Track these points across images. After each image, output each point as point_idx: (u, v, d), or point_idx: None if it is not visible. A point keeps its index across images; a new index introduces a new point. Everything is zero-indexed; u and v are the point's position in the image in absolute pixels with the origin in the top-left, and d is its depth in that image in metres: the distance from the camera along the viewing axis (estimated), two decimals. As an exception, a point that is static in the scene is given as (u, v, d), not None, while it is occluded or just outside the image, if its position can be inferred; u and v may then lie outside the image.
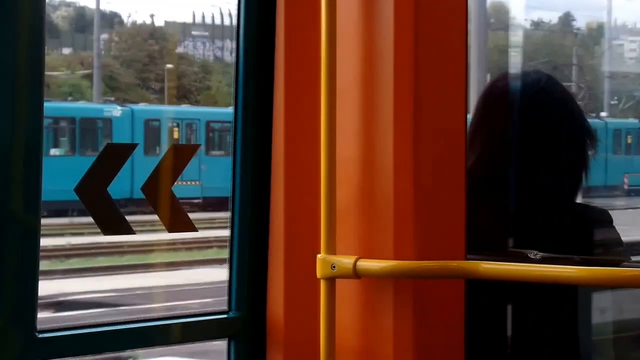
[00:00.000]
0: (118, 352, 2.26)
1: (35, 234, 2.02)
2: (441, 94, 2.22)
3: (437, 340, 2.23)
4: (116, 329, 2.22)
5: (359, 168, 2.23)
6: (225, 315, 2.36)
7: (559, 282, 2.15)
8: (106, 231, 2.13)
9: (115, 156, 2.16)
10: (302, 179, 2.33)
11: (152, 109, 26.34)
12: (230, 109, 2.34)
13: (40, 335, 2.05)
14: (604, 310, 2.71)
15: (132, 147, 2.21)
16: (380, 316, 2.21)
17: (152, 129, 25.33)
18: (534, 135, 2.58)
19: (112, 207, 2.13)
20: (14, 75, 1.97)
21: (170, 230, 2.22)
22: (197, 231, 2.26)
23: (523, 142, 2.57)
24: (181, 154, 2.26)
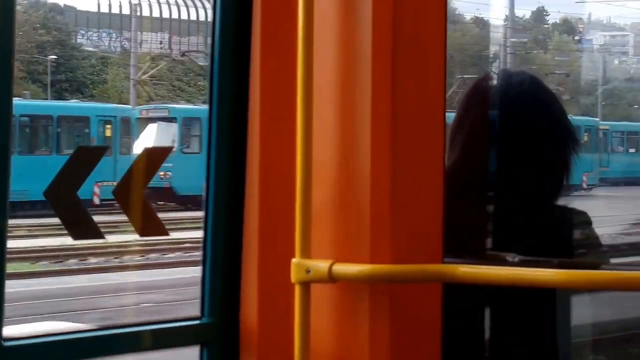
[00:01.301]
0: (86, 359, 2.21)
1: (1, 237, 1.96)
2: (419, 95, 2.20)
3: (414, 345, 2.20)
4: (86, 337, 2.19)
5: (335, 170, 2.20)
6: (197, 321, 2.33)
7: (537, 286, 2.13)
8: (76, 236, 2.09)
9: (85, 159, 2.12)
10: (278, 181, 2.30)
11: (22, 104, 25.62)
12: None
13: (6, 344, 2.02)
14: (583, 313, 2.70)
15: (103, 149, 2.16)
16: (356, 321, 2.18)
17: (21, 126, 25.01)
18: (515, 136, 2.57)
19: (81, 211, 2.09)
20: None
21: (142, 235, 2.18)
22: (168, 235, 2.22)
23: (503, 143, 2.56)
24: (154, 157, 2.23)
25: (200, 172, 2.30)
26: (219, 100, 2.33)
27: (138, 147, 27.00)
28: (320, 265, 2.14)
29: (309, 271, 2.14)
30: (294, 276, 2.15)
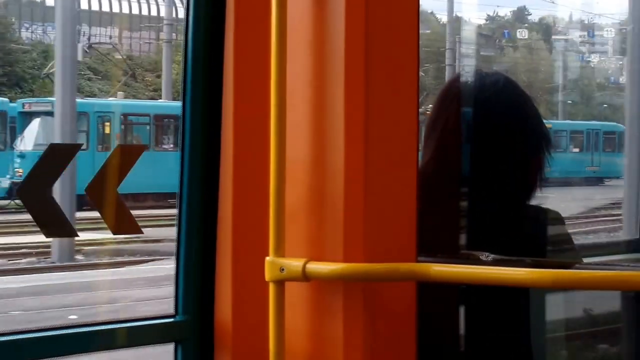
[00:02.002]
0: (59, 357, 2.20)
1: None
2: (393, 94, 2.20)
3: (389, 344, 2.21)
4: (57, 334, 2.18)
5: (309, 169, 2.20)
6: (172, 319, 2.32)
7: (510, 285, 2.13)
8: (49, 234, 2.08)
9: (58, 157, 2.11)
10: (251, 179, 2.30)
11: None
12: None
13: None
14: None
15: (76, 147, 2.15)
16: (330, 319, 2.18)
17: None
18: (489, 136, 2.58)
19: (55, 210, 2.08)
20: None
21: (115, 232, 2.17)
22: (142, 233, 2.22)
23: (477, 143, 2.57)
24: (127, 155, 2.22)
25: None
26: (192, 100, 2.32)
27: (23, 143, 26.19)
28: (294, 263, 2.14)
29: (282, 269, 2.14)
30: (268, 274, 2.15)
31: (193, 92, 2.32)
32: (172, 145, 27.43)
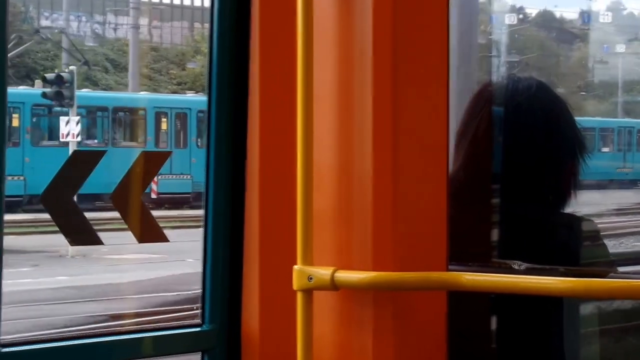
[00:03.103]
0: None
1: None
2: (422, 98, 2.17)
3: (419, 354, 2.18)
4: (85, 343, 2.18)
5: (337, 176, 2.17)
6: (199, 329, 2.30)
7: (543, 294, 2.10)
8: (74, 242, 2.06)
9: (81, 163, 2.09)
10: (278, 186, 2.27)
11: None
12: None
13: (4, 350, 2.01)
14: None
15: (100, 154, 2.13)
16: (359, 329, 2.15)
17: None
18: (521, 142, 2.54)
19: (79, 217, 2.06)
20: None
21: (141, 241, 2.15)
22: (168, 241, 2.20)
23: (509, 149, 2.53)
24: (152, 161, 2.20)
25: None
26: (218, 107, 2.30)
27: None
28: (322, 272, 2.11)
29: (310, 278, 2.11)
30: (296, 283, 2.12)
31: (218, 99, 2.30)
32: (95, 141, 25.14)
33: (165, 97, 28.80)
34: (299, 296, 2.13)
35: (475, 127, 2.55)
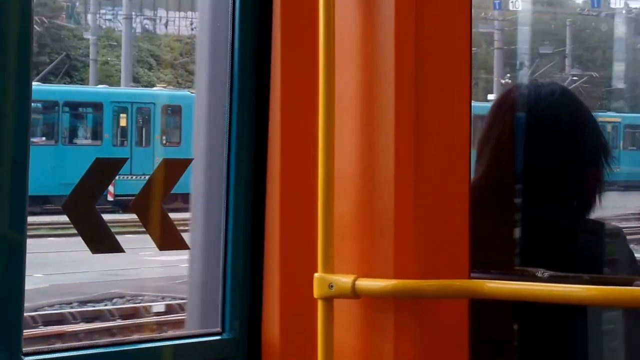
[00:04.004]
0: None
1: (20, 252, 1.94)
2: (444, 104, 2.15)
3: (441, 363, 2.15)
4: (105, 352, 2.17)
5: (358, 182, 2.16)
6: (218, 337, 2.29)
7: (567, 302, 2.08)
8: (95, 250, 2.06)
9: (103, 171, 2.08)
10: (299, 194, 2.26)
11: None
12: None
13: (27, 358, 1.99)
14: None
15: (121, 162, 2.13)
16: (381, 337, 2.14)
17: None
18: (545, 148, 2.52)
19: (100, 225, 2.05)
20: (1, 93, 1.89)
21: (161, 249, 2.14)
22: (189, 249, 2.19)
23: (532, 155, 2.51)
24: (172, 169, 2.19)
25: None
26: (239, 116, 2.29)
27: None
28: (343, 280, 2.09)
29: (331, 286, 2.10)
30: (317, 291, 2.11)
31: (239, 106, 2.29)
32: (43, 139, 23.43)
33: (125, 91, 26.23)
34: (320, 304, 2.11)
35: (499, 134, 2.54)
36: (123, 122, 24.45)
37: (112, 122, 24.35)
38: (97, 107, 24.30)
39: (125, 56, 26.50)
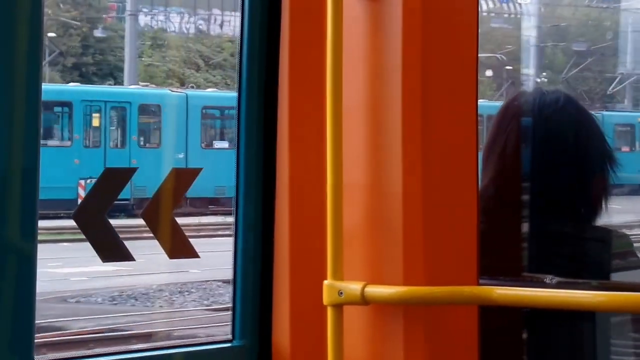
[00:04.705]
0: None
1: (31, 260, 1.95)
2: (451, 114, 2.16)
3: (450, 369, 2.15)
4: (116, 359, 2.16)
5: (366, 190, 2.16)
6: (229, 344, 2.29)
7: (575, 308, 2.08)
8: (105, 258, 2.07)
9: (113, 180, 2.10)
10: (308, 201, 2.27)
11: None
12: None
13: (38, 366, 1.99)
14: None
15: (132, 171, 2.14)
16: (390, 344, 2.14)
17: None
18: (550, 156, 2.53)
19: (110, 234, 2.07)
20: (11, 99, 1.90)
21: (171, 257, 2.15)
22: (199, 257, 2.20)
23: (538, 163, 2.51)
24: (182, 178, 2.20)
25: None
26: (247, 126, 2.30)
27: None
28: (353, 287, 2.10)
29: (341, 293, 2.10)
30: (326, 298, 2.12)
31: (248, 117, 2.30)
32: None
33: (98, 89, 25.28)
34: (330, 311, 2.12)
35: (504, 141, 2.54)
36: (95, 122, 23.40)
37: (83, 122, 23.35)
38: (67, 106, 23.16)
39: (130, 54, 25.98)
